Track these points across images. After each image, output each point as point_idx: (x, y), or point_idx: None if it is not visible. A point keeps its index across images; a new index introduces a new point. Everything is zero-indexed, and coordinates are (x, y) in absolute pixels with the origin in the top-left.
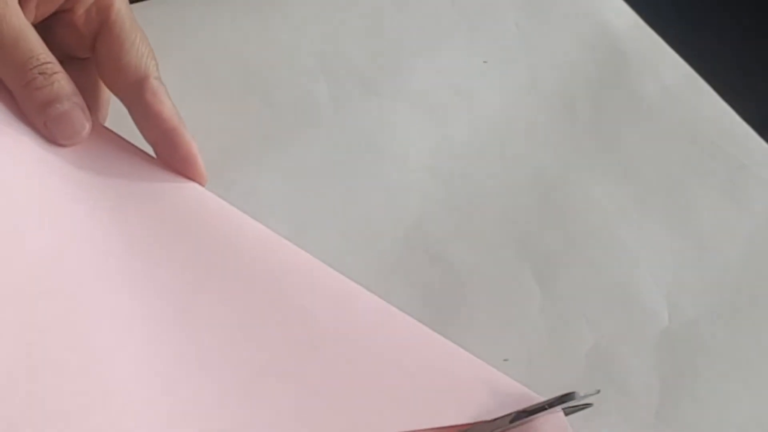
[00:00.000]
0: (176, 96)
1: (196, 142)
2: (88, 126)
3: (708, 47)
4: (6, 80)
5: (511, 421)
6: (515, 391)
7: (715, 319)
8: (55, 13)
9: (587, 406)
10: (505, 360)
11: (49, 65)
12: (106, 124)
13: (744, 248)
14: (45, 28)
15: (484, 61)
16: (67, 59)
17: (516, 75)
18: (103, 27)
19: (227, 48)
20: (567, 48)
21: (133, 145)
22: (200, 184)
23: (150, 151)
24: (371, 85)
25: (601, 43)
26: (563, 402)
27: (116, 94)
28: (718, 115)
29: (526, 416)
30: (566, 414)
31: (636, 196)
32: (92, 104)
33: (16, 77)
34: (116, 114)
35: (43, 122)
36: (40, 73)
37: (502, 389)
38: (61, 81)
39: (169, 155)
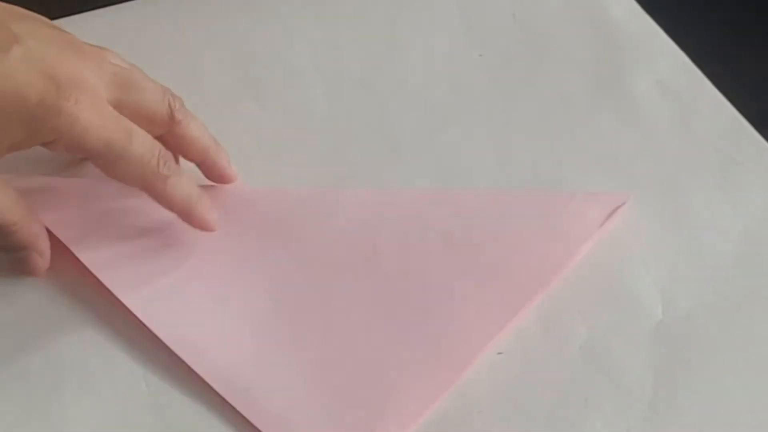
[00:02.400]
0: None
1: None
2: (42, 265)
3: (708, 39)
4: None
5: None
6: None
7: (708, 313)
8: None
9: None
10: (500, 353)
11: (6, 228)
12: None
13: (738, 242)
14: None
15: (480, 54)
16: None
17: (512, 68)
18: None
19: (221, 49)
20: (564, 39)
21: None
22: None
23: None
24: (366, 82)
25: (599, 33)
26: None
27: None
28: (714, 109)
29: None
30: None
31: (631, 189)
32: None
33: None
34: None
35: (11, 262)
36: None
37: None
38: (19, 237)
39: (209, 169)
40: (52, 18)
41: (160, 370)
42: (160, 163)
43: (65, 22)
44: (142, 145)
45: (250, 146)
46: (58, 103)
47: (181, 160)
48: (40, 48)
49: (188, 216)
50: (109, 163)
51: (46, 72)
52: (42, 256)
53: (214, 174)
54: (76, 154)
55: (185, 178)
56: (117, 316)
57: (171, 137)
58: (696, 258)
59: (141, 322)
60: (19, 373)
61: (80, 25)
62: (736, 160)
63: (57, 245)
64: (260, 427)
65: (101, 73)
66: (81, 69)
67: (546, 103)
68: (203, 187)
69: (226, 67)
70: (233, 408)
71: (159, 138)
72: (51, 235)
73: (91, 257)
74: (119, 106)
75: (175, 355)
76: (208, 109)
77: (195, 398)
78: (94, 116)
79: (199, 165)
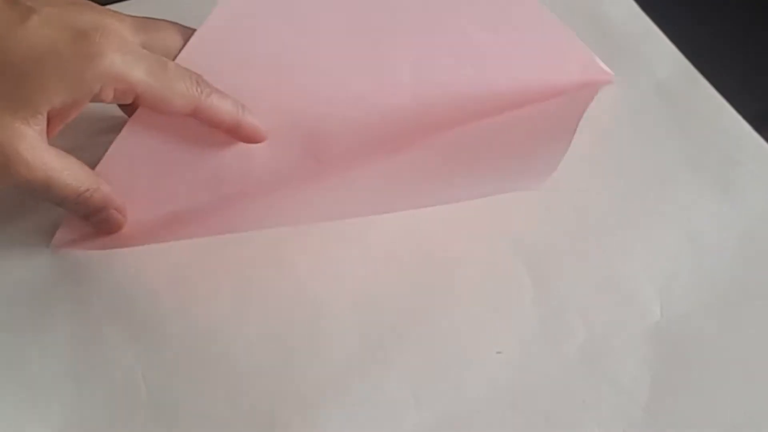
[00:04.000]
0: None
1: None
2: (123, 222)
3: (706, 40)
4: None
5: None
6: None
7: (707, 314)
8: None
9: None
10: (498, 352)
11: (81, 196)
12: None
13: (737, 243)
14: None
15: None
16: None
17: None
18: (137, 98)
19: None
20: None
21: None
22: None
23: None
24: None
25: (597, 33)
26: None
27: None
28: (713, 109)
29: None
30: None
31: (629, 190)
32: None
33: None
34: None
35: (91, 224)
36: (75, 204)
37: None
38: (95, 200)
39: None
40: None
41: (160, 368)
42: (200, 83)
43: None
44: (177, 70)
45: None
46: (91, 49)
47: None
48: (57, 12)
49: (238, 128)
50: (154, 93)
51: (70, 26)
52: (120, 211)
53: (245, 132)
54: (123, 98)
55: (224, 94)
56: (118, 313)
57: (201, 123)
58: (694, 258)
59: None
60: (16, 368)
61: None
62: (734, 161)
63: None
64: None
65: (122, 19)
66: (102, 18)
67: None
68: None
69: None
70: (234, 406)
71: None
72: None
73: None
74: (146, 47)
75: (174, 351)
76: None
77: (194, 397)
78: (128, 54)
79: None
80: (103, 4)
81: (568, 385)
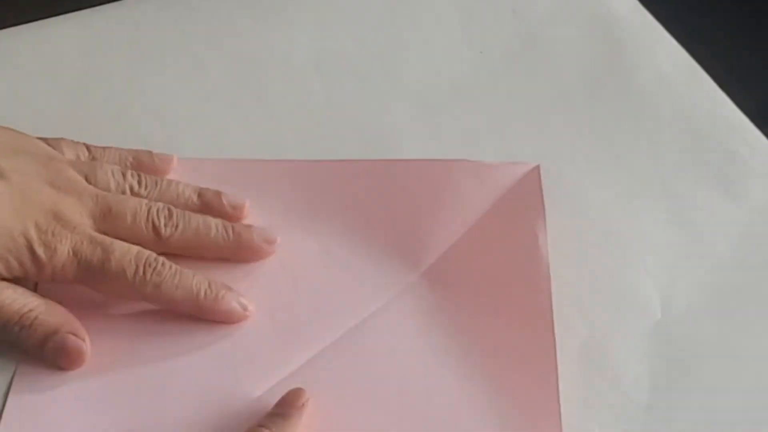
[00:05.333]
0: (170, 94)
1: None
2: (84, 347)
3: (707, 35)
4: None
5: None
6: None
7: (707, 313)
8: None
9: None
10: None
11: (25, 316)
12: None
13: (738, 241)
14: None
15: (480, 51)
16: None
17: (512, 65)
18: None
19: (221, 46)
20: (564, 35)
21: None
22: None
23: None
24: (365, 78)
25: (599, 29)
26: None
27: None
28: (714, 105)
29: None
30: None
31: (630, 187)
32: None
33: (6, 336)
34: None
35: (45, 358)
36: (20, 329)
37: None
38: (42, 323)
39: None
40: (56, 15)
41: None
42: (147, 271)
43: (66, 19)
44: (122, 258)
45: (250, 143)
46: (39, 237)
47: None
48: (23, 184)
49: (200, 312)
50: (96, 283)
51: (28, 210)
52: (78, 334)
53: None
54: (63, 282)
55: (188, 276)
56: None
57: (171, 249)
58: (695, 257)
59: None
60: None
61: (81, 22)
62: (735, 157)
63: None
64: None
65: (83, 206)
66: (61, 206)
67: (546, 99)
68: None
69: (225, 65)
70: None
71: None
72: None
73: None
74: (106, 233)
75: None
76: (207, 106)
77: None
78: (72, 245)
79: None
80: (97, 5)
81: (569, 384)
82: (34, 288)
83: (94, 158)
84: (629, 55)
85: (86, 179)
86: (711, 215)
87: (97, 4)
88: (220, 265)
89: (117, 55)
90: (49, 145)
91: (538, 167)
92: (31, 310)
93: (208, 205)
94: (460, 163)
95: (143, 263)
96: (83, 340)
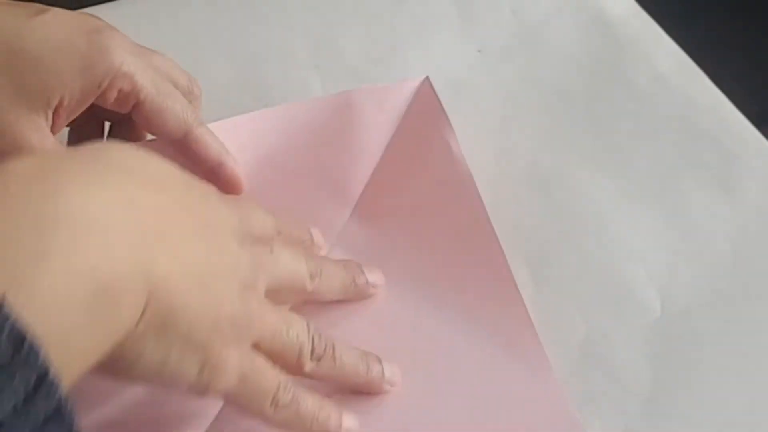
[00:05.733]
0: None
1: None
2: None
3: (706, 35)
4: None
5: None
6: None
7: (707, 310)
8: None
9: None
10: None
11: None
12: None
13: (737, 239)
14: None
15: (479, 51)
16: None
17: (511, 64)
18: (135, 107)
19: (221, 43)
20: (563, 35)
21: None
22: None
23: None
24: (364, 77)
25: (598, 29)
26: None
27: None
28: (713, 105)
29: None
30: None
31: (629, 186)
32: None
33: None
34: None
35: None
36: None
37: None
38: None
39: (220, 185)
40: None
41: None
42: (193, 111)
43: None
44: (175, 90)
45: None
46: (104, 43)
47: None
48: (69, 12)
49: (220, 167)
50: (154, 104)
51: (83, 23)
52: None
53: (226, 174)
54: (123, 103)
55: (211, 131)
56: None
57: (185, 154)
58: (694, 254)
59: None
60: None
61: None
62: (734, 157)
63: None
64: None
65: (124, 36)
66: (110, 26)
67: (544, 99)
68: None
69: (225, 63)
70: None
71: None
72: None
73: None
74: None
75: None
76: (207, 106)
77: None
78: (137, 57)
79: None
80: (96, 4)
81: (569, 381)
82: None
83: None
84: (628, 55)
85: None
86: (710, 214)
87: (96, 3)
88: None
89: None
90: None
91: (427, 78)
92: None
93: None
94: (356, 91)
95: (187, 102)
96: None
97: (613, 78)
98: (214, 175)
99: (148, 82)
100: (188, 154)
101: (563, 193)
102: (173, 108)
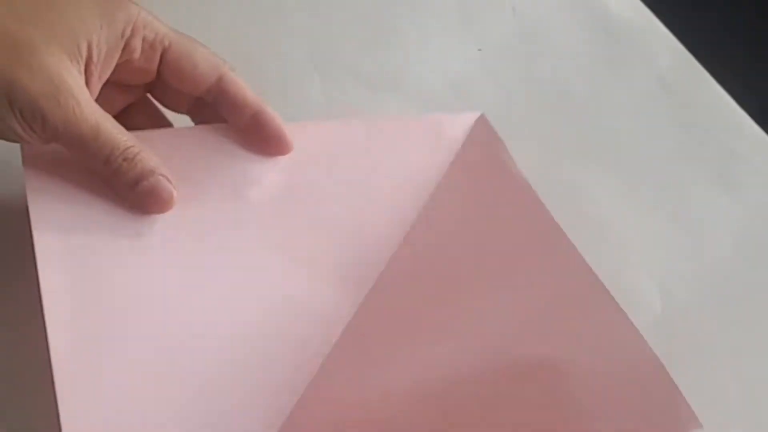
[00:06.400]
0: None
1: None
2: (174, 193)
3: (707, 32)
4: (96, 170)
5: None
6: None
7: (707, 307)
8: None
9: None
10: None
11: (130, 150)
12: None
13: (737, 236)
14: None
15: (479, 49)
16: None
17: (511, 62)
18: (163, 56)
19: (221, 46)
20: (564, 33)
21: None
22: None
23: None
24: (363, 77)
25: (599, 26)
26: None
27: (197, 96)
28: (714, 102)
29: None
30: None
31: (630, 184)
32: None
33: (104, 168)
34: None
35: (133, 199)
36: (123, 160)
37: None
38: (143, 160)
39: (261, 135)
40: None
41: None
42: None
43: None
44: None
45: None
46: None
47: None
48: None
49: (261, 113)
50: (182, 48)
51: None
52: (171, 180)
53: (268, 131)
54: (150, 55)
55: None
56: None
57: (223, 100)
58: (695, 252)
59: None
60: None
61: None
62: (735, 154)
63: None
64: None
65: None
66: None
67: (545, 97)
68: None
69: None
70: None
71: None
72: None
73: None
74: None
75: None
76: None
77: None
78: (153, 15)
79: (250, 127)
80: None
81: None
82: None
83: None
84: (629, 53)
85: None
86: (711, 211)
87: None
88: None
89: None
90: None
91: (483, 115)
92: (134, 146)
93: None
94: (416, 119)
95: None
96: (175, 188)
97: (613, 76)
98: (255, 121)
99: (169, 29)
100: (225, 99)
101: (563, 191)
102: (202, 50)
